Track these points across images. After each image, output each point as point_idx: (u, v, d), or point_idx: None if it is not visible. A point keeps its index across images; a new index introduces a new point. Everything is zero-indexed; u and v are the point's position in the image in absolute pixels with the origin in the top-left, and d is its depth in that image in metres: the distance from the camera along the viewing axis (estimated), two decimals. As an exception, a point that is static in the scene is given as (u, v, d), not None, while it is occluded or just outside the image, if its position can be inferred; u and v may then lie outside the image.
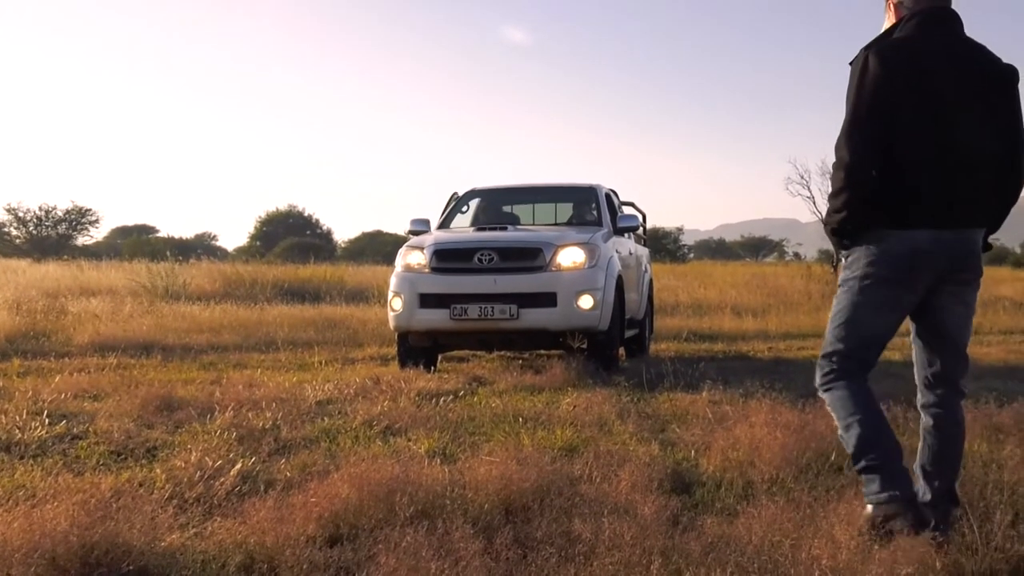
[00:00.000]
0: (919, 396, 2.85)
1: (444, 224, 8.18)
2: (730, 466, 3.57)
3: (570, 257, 6.73)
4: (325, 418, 4.80)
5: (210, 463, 3.46)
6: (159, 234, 56.07)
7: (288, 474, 3.50)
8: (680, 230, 50.15)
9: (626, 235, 8.21)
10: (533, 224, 8.46)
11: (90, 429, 4.42)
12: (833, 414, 2.82)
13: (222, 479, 3.29)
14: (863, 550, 2.43)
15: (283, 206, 55.04)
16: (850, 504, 2.79)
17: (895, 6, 2.82)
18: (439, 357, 7.51)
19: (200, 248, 38.45)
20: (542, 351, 7.82)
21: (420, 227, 7.76)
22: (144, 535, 2.56)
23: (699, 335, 10.84)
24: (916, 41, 2.69)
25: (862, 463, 2.70)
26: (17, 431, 4.22)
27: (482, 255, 6.73)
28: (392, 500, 2.87)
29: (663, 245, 43.03)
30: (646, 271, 9.22)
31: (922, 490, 2.74)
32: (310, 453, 3.89)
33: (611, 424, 4.60)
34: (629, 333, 7.90)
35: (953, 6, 2.77)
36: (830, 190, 2.78)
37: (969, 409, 4.35)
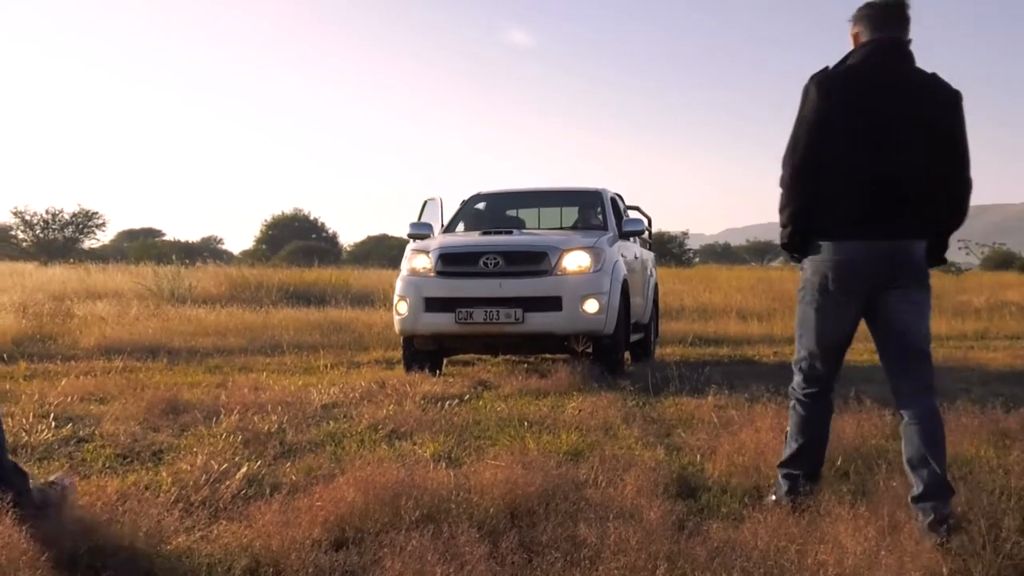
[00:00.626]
0: (896, 400, 2.99)
1: (449, 228, 8.19)
2: (736, 471, 3.56)
3: (576, 261, 6.72)
4: (330, 422, 4.80)
5: (216, 466, 3.47)
6: (165, 237, 56.24)
7: (293, 478, 3.50)
8: (685, 234, 50.04)
9: (631, 239, 8.20)
10: (538, 228, 8.46)
11: (96, 432, 4.43)
12: (789, 422, 3.19)
13: (228, 482, 3.30)
14: (869, 556, 2.42)
15: (289, 210, 55.19)
16: (856, 510, 2.78)
17: (854, 36, 3.07)
18: (444, 361, 7.51)
19: (206, 251, 38.53)
20: (547, 355, 7.81)
21: (420, 230, 7.76)
22: (150, 538, 2.56)
23: (704, 339, 10.82)
24: (860, 70, 2.96)
25: (785, 469, 3.14)
26: (24, 434, 4.24)
27: (487, 259, 6.73)
28: (397, 504, 2.87)
29: (668, 249, 42.96)
30: (651, 275, 9.22)
31: (914, 485, 2.83)
32: (315, 457, 3.89)
33: (616, 428, 4.59)
34: (634, 337, 7.89)
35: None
36: (778, 206, 3.05)
37: (976, 414, 4.35)
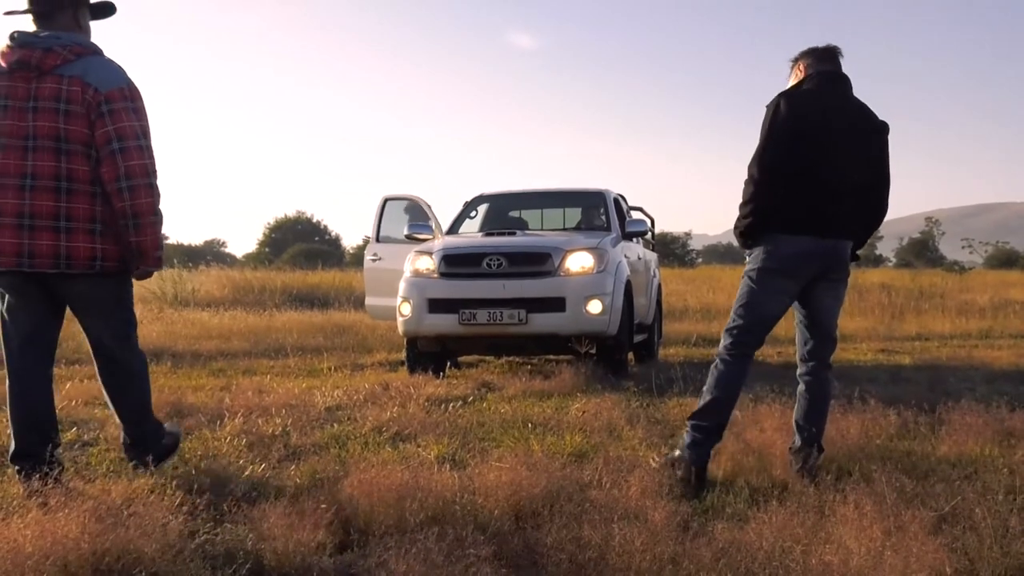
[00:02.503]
0: (798, 368, 3.66)
1: (452, 229, 8.19)
2: (740, 471, 3.56)
3: (579, 262, 6.71)
4: (334, 424, 4.80)
5: (220, 470, 3.47)
6: (168, 241, 56.26)
7: (298, 480, 3.50)
8: (688, 235, 50.00)
9: (635, 240, 8.20)
10: (542, 229, 8.45)
11: (101, 436, 4.44)
12: (709, 378, 3.54)
13: (232, 485, 3.30)
14: (874, 556, 2.41)
15: (291, 212, 55.29)
16: (861, 510, 2.78)
17: (804, 67, 3.59)
18: (448, 363, 7.51)
19: (209, 255, 38.59)
20: (551, 356, 7.81)
21: (417, 231, 7.76)
22: (155, 542, 2.56)
23: (708, 340, 10.80)
24: (817, 94, 3.46)
25: (694, 421, 3.49)
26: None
27: (491, 260, 6.73)
28: (402, 506, 2.87)
29: (671, 250, 42.93)
30: (655, 276, 9.21)
31: (795, 438, 3.58)
32: (320, 459, 3.89)
33: (621, 430, 4.59)
34: (638, 338, 7.88)
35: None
36: (741, 200, 3.47)
37: (980, 414, 4.34)
